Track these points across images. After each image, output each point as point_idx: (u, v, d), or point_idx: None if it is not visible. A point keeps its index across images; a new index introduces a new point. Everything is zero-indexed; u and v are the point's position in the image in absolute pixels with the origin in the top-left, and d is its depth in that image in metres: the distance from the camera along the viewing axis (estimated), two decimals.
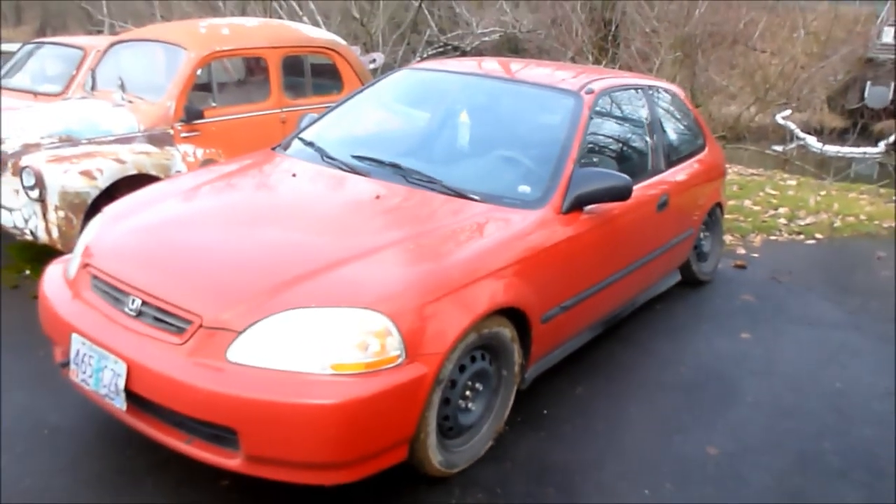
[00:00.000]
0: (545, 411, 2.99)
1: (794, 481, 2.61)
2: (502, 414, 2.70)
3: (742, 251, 5.31)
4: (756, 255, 5.25)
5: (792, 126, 19.04)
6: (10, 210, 4.02)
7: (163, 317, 2.24)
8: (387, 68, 7.02)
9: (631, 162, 3.62)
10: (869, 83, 20.99)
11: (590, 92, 3.33)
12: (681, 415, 3.03)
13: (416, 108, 3.87)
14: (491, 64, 4.04)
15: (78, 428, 2.76)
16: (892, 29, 21.70)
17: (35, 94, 5.50)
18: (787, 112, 18.50)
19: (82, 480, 2.47)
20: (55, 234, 3.86)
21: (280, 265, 2.34)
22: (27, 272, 4.29)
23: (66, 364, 2.50)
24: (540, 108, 3.47)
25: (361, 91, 3.87)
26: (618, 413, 3.02)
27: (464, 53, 14.13)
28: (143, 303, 2.29)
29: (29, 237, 4.01)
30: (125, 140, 4.16)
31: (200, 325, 2.15)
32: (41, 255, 4.50)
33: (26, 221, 3.96)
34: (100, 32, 14.91)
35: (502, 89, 3.61)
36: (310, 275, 2.27)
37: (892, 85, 21.03)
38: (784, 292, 4.52)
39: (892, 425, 3.03)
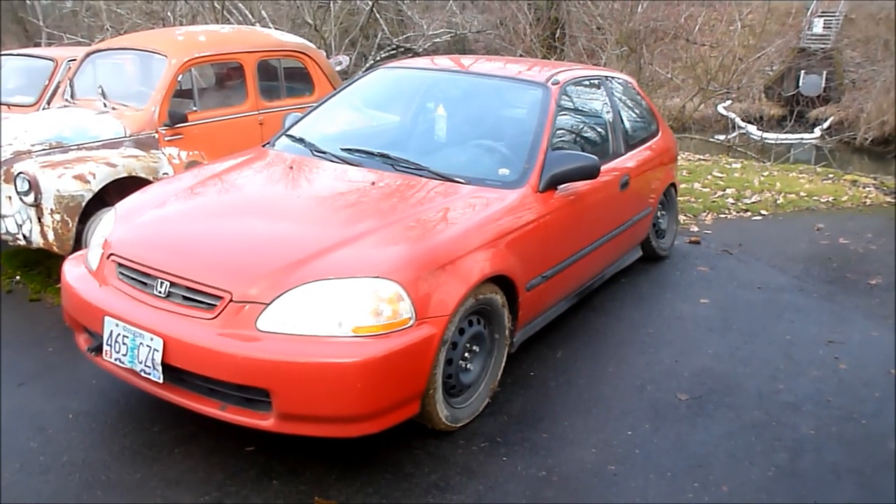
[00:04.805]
0: (531, 373, 3.30)
1: (753, 415, 2.98)
2: (496, 374, 2.99)
3: (695, 228, 5.74)
4: (708, 231, 5.67)
5: (733, 115, 19.95)
6: (2, 216, 4.13)
7: (192, 295, 2.47)
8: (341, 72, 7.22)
9: (595, 146, 3.94)
10: (803, 72, 22.09)
11: (556, 83, 3.66)
12: (652, 368, 3.37)
13: (395, 104, 4.13)
14: (462, 60, 4.33)
15: (101, 411, 2.95)
16: (822, 20, 22.90)
17: (8, 105, 5.56)
18: (728, 102, 19.37)
19: (116, 453, 2.67)
20: (51, 236, 3.99)
21: (293, 245, 2.59)
22: (17, 278, 4.41)
23: (95, 349, 2.70)
24: (511, 98, 3.79)
25: (341, 90, 4.11)
26: (596, 371, 3.35)
27: (415, 55, 14.40)
28: (172, 284, 2.51)
29: (22, 242, 4.12)
30: (113, 145, 4.32)
31: (230, 301, 2.39)
32: (29, 262, 4.64)
33: (19, 226, 4.08)
34: (38, 45, 14.74)
35: (475, 83, 3.91)
36: (323, 252, 2.52)
37: (824, 73, 22.16)
38: (735, 263, 4.94)
39: (834, 367, 3.44)
